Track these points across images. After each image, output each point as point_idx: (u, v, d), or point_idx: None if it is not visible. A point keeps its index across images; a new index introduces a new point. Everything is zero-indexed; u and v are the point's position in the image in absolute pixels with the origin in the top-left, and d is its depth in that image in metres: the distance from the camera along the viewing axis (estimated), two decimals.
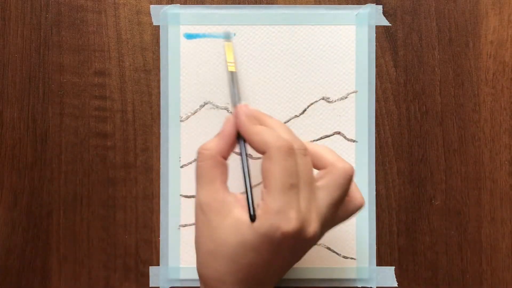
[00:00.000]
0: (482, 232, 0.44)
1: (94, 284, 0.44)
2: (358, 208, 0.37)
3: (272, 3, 0.45)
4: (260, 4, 0.45)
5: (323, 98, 0.44)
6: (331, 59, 0.44)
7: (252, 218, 0.33)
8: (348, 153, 0.44)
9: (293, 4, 0.45)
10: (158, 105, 0.44)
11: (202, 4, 0.45)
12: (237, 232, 0.33)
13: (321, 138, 0.44)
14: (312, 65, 0.44)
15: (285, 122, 0.44)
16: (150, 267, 0.44)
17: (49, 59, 0.44)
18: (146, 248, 0.44)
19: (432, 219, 0.44)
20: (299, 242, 0.33)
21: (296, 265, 0.44)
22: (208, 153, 0.35)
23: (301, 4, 0.45)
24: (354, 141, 0.44)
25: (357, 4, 0.44)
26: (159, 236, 0.44)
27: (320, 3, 0.45)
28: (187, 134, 0.44)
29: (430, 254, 0.44)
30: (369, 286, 0.44)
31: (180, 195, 0.44)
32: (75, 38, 0.44)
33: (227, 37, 0.43)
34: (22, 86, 0.44)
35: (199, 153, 0.35)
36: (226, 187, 0.35)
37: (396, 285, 0.44)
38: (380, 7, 0.45)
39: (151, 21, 0.44)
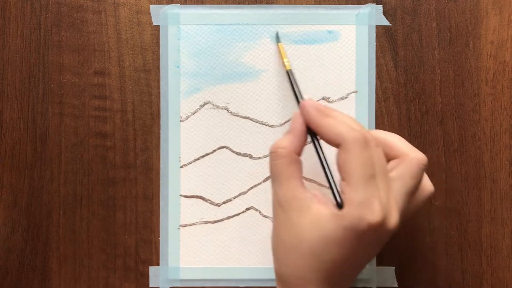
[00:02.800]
0: (482, 232, 0.44)
1: (94, 284, 0.44)
2: (428, 195, 0.37)
3: (272, 3, 0.45)
4: (260, 4, 0.45)
5: (323, 98, 0.44)
6: (331, 59, 0.44)
7: (340, 205, 0.33)
8: None
9: (293, 4, 0.45)
10: (158, 105, 0.44)
11: (202, 4, 0.45)
12: (319, 227, 0.33)
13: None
14: (312, 65, 0.44)
15: (285, 122, 0.44)
16: (150, 267, 0.44)
17: (49, 59, 0.44)
18: (146, 248, 0.44)
19: (432, 219, 0.44)
20: (381, 234, 0.33)
21: None
22: (283, 151, 0.35)
23: (301, 4, 0.45)
24: None
25: (357, 4, 0.44)
26: (159, 236, 0.44)
27: (320, 3, 0.45)
28: (187, 134, 0.44)
29: (430, 254, 0.44)
30: (369, 286, 0.44)
31: (180, 195, 0.44)
32: (75, 38, 0.44)
33: (278, 38, 0.44)
34: (22, 86, 0.44)
35: (273, 152, 0.35)
36: (303, 184, 0.35)
37: (396, 285, 0.44)
38: (380, 7, 0.45)
39: (151, 21, 0.44)
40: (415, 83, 0.45)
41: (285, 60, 0.42)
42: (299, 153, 0.36)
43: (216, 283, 0.44)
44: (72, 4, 0.45)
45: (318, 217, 0.33)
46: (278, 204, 0.35)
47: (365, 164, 0.33)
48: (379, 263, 0.44)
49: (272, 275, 0.44)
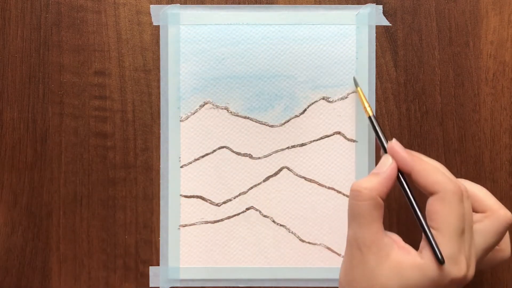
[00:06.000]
0: None
1: (94, 284, 0.44)
2: (504, 259, 0.38)
3: (272, 3, 0.45)
4: (260, 4, 0.45)
5: (323, 98, 0.44)
6: (331, 59, 0.44)
7: (442, 261, 0.32)
8: (348, 153, 0.44)
9: (293, 4, 0.45)
10: (158, 105, 0.44)
11: (202, 4, 0.45)
12: (399, 275, 0.33)
13: (321, 138, 0.44)
14: (312, 65, 0.44)
15: (285, 122, 0.44)
16: (150, 267, 0.44)
17: (49, 59, 0.44)
18: (146, 248, 0.44)
19: None
20: (457, 285, 0.33)
21: (296, 265, 0.44)
22: (368, 193, 0.34)
23: (301, 4, 0.45)
24: (354, 141, 0.44)
25: (357, 4, 0.44)
26: (159, 236, 0.44)
27: (320, 3, 0.45)
28: (187, 134, 0.44)
29: None
30: None
31: (180, 195, 0.44)
32: (75, 38, 0.44)
33: (356, 82, 0.43)
34: (22, 86, 0.44)
35: (358, 191, 0.34)
36: (383, 228, 0.35)
37: None
38: (380, 7, 0.44)
39: (151, 21, 0.44)
40: (415, 83, 0.45)
41: (366, 105, 0.41)
42: (384, 197, 0.35)
43: (216, 283, 0.44)
44: (72, 4, 0.45)
45: (399, 265, 0.33)
46: (357, 245, 0.34)
47: (460, 218, 0.33)
48: None
49: (272, 275, 0.44)
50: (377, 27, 0.45)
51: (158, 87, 0.44)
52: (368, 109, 0.41)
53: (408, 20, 0.45)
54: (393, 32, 0.45)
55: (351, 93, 0.44)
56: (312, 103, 0.44)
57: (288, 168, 0.44)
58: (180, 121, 0.44)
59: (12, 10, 0.44)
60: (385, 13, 0.45)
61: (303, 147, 0.44)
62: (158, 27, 0.44)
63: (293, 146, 0.44)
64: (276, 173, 0.44)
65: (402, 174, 0.36)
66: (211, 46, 0.44)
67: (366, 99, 0.42)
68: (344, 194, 0.44)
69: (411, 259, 0.33)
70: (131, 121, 0.44)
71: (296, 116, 0.44)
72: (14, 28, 0.44)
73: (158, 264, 0.44)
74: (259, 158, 0.44)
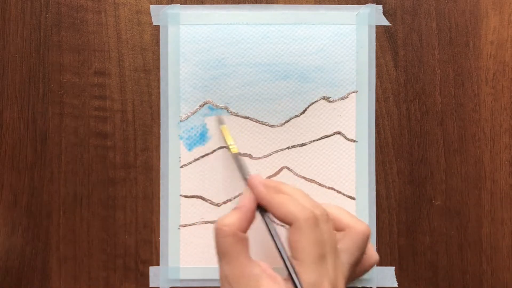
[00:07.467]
0: (482, 232, 0.44)
1: (94, 284, 0.44)
2: (373, 265, 0.39)
3: (272, 3, 0.45)
4: (260, 3, 0.45)
5: (323, 98, 0.44)
6: (331, 59, 0.44)
7: None
8: (348, 153, 0.44)
9: (293, 3, 0.45)
10: (158, 105, 0.44)
11: (202, 4, 0.45)
12: None
13: (321, 138, 0.44)
14: (312, 65, 0.44)
15: (285, 122, 0.44)
16: (150, 267, 0.44)
17: (49, 59, 0.44)
18: (146, 248, 0.44)
19: (432, 219, 0.44)
20: None
21: None
22: (228, 229, 0.35)
23: (301, 4, 0.45)
24: (354, 141, 0.44)
25: (357, 4, 0.44)
26: (159, 236, 0.44)
27: (320, 3, 0.45)
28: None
29: (430, 254, 0.44)
30: (369, 286, 0.44)
31: (180, 195, 0.44)
32: (75, 38, 0.44)
33: (221, 121, 0.44)
34: (22, 86, 0.44)
35: (219, 229, 0.35)
36: (250, 259, 0.35)
37: (396, 285, 0.44)
38: (380, 7, 0.45)
39: (151, 21, 0.44)
40: (415, 83, 0.45)
41: (230, 143, 0.42)
42: (245, 231, 0.36)
43: (216, 283, 0.44)
44: (72, 4, 0.45)
45: None
46: (227, 282, 0.35)
47: (316, 244, 0.33)
48: (379, 263, 0.44)
49: None
50: (377, 27, 0.45)
51: (158, 87, 0.44)
52: (234, 146, 0.41)
53: (408, 20, 0.45)
54: (393, 32, 0.45)
55: (351, 93, 0.44)
56: (312, 103, 0.44)
57: (288, 168, 0.44)
58: (180, 121, 0.44)
59: (12, 10, 0.44)
60: (385, 13, 0.45)
61: (303, 147, 0.44)
62: (158, 27, 0.44)
63: (293, 146, 0.44)
64: (276, 173, 0.44)
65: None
66: (211, 46, 0.44)
67: (230, 138, 0.42)
68: (344, 194, 0.44)
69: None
70: (131, 121, 0.44)
71: (296, 116, 0.44)
72: (14, 28, 0.44)
73: (158, 264, 0.44)
74: (259, 158, 0.44)
